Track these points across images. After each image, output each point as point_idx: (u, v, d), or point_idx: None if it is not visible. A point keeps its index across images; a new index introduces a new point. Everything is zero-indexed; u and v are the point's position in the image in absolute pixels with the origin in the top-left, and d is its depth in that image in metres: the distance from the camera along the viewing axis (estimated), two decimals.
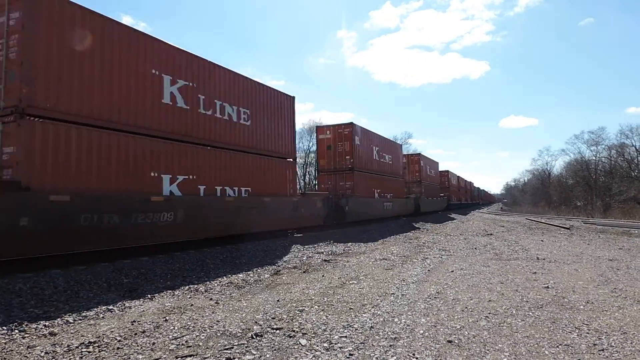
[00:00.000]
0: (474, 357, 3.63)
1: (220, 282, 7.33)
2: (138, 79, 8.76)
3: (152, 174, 8.90)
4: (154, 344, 4.02)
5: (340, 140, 19.34)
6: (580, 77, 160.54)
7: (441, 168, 58.92)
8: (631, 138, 51.81)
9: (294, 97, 14.74)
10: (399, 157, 27.08)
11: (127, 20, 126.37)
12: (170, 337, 4.22)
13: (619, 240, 14.02)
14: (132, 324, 4.66)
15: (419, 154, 32.88)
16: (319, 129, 20.56)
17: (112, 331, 4.40)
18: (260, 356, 3.69)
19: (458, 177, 55.14)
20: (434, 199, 35.69)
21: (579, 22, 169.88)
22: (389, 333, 4.29)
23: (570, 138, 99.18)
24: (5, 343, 4.14)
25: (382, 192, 22.51)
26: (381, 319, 4.79)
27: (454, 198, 47.82)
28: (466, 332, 4.30)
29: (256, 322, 4.70)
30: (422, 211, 29.89)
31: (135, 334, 4.32)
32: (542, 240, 14.22)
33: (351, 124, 19.31)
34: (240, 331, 4.38)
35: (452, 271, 8.03)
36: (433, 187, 36.18)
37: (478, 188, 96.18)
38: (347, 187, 18.93)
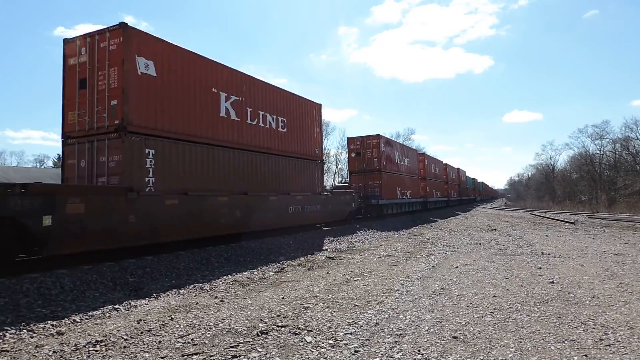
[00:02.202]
0: (479, 352, 3.63)
1: (225, 280, 7.36)
2: None
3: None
4: (160, 342, 4.04)
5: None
6: (584, 71, 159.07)
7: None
8: (636, 131, 51.49)
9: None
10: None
11: (129, 20, 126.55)
12: (176, 335, 4.24)
13: (624, 235, 13.95)
14: (138, 323, 4.69)
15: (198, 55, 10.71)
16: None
17: (118, 330, 4.43)
18: (266, 353, 3.70)
19: (423, 155, 33.72)
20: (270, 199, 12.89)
21: (583, 14, 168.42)
22: (394, 329, 4.29)
23: (574, 132, 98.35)
24: (14, 342, 4.18)
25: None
26: (386, 316, 4.80)
27: (399, 193, 24.82)
28: (471, 328, 4.29)
29: (261, 320, 4.71)
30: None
31: (142, 332, 4.35)
32: (546, 235, 14.17)
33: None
34: (246, 329, 4.40)
35: (457, 267, 8.02)
36: (267, 172, 13.05)
37: (474, 179, 71.13)
38: None
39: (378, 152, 22.37)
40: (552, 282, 6.47)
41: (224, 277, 7.66)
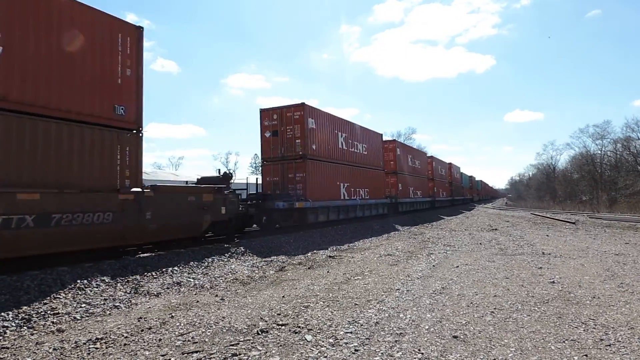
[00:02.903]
0: (479, 352, 3.63)
1: (225, 279, 7.36)
2: None
3: None
4: (160, 340, 4.05)
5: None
6: (585, 70, 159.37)
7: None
8: (637, 131, 51.40)
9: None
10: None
11: (131, 18, 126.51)
12: (177, 333, 4.24)
13: (625, 235, 13.93)
14: (139, 321, 4.69)
15: None
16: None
17: (118, 327, 4.44)
18: (266, 352, 3.71)
19: (393, 143, 25.03)
20: None
21: (585, 14, 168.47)
22: (395, 329, 4.29)
23: (575, 132, 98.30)
24: (14, 339, 4.19)
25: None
26: (386, 315, 4.80)
27: (345, 192, 17.03)
28: (472, 328, 4.29)
29: (262, 318, 4.71)
30: None
31: (142, 330, 4.35)
32: (547, 235, 14.15)
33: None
34: (246, 327, 4.40)
35: (457, 266, 8.02)
36: None
37: (471, 177, 62.13)
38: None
39: (303, 129, 14.53)
40: (553, 282, 6.47)
41: (225, 275, 7.67)
